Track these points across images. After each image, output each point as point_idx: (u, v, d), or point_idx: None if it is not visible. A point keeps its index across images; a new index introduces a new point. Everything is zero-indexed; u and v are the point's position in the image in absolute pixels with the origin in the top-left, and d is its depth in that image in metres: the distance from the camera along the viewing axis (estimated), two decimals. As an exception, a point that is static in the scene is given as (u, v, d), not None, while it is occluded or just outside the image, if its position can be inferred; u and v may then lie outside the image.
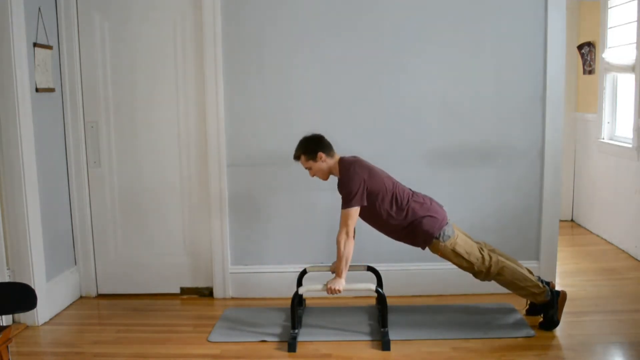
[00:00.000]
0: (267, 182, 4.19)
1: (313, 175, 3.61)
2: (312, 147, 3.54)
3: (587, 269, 4.72)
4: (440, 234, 3.45)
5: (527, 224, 4.20)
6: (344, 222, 3.41)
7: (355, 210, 3.42)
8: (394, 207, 3.47)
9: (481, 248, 3.53)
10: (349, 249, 3.42)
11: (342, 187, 3.50)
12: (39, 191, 3.83)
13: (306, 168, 3.59)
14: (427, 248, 3.54)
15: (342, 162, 3.55)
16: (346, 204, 3.42)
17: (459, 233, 3.52)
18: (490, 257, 3.49)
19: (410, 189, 3.59)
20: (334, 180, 4.17)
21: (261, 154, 4.17)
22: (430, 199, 3.59)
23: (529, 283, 3.50)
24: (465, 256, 3.47)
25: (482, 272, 3.50)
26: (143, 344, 3.54)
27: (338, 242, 3.41)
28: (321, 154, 3.52)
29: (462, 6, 4.03)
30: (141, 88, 4.21)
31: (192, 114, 4.21)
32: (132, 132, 4.26)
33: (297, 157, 3.58)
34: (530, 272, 3.61)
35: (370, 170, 3.50)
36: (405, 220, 3.47)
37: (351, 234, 3.43)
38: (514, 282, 3.51)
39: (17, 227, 3.73)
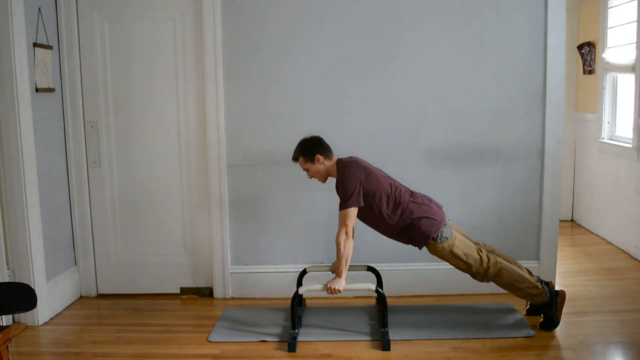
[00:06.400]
0: (267, 182, 4.19)
1: (311, 177, 3.62)
2: (310, 149, 3.55)
3: (587, 269, 4.72)
4: (437, 235, 3.45)
5: (527, 224, 4.20)
6: (342, 222, 3.42)
7: (353, 211, 3.43)
8: (391, 208, 3.47)
9: (480, 249, 3.53)
10: (349, 248, 3.43)
11: (339, 188, 3.49)
12: (39, 191, 3.83)
13: (304, 169, 3.60)
14: (424, 248, 3.54)
15: (339, 163, 3.55)
16: (343, 205, 3.43)
17: (457, 234, 3.52)
18: (489, 259, 3.49)
19: (409, 189, 3.59)
20: (333, 180, 4.18)
21: (261, 154, 4.17)
22: (430, 199, 3.59)
23: (527, 284, 3.50)
24: (463, 257, 3.47)
25: (480, 274, 3.50)
26: (143, 344, 3.54)
27: (338, 243, 3.41)
28: (319, 156, 3.53)
29: (462, 6, 4.03)
30: (141, 88, 4.21)
31: (192, 114, 4.21)
32: (132, 132, 4.26)
33: (295, 158, 3.59)
34: (530, 273, 3.61)
35: (367, 171, 3.50)
36: (403, 221, 3.47)
37: (350, 233, 3.44)
38: (512, 284, 3.50)
39: (17, 227, 3.73)
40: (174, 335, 3.65)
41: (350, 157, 3.62)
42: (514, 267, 3.54)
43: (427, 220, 3.46)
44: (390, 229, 3.53)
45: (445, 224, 3.48)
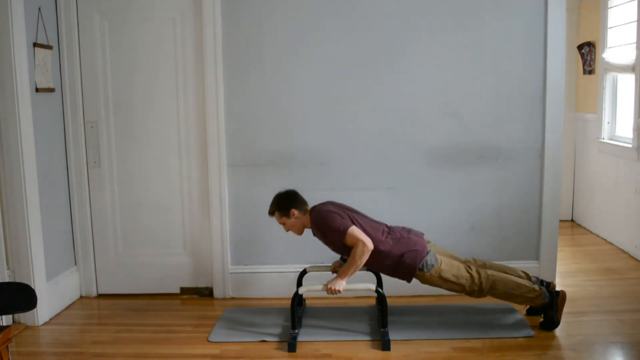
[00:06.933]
0: (267, 182, 4.19)
1: (288, 230, 3.64)
2: (285, 204, 3.57)
3: (587, 269, 4.72)
4: (423, 265, 3.45)
5: (527, 224, 4.20)
6: (355, 240, 3.38)
7: (354, 228, 3.41)
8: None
9: (468, 267, 3.52)
10: (364, 260, 3.39)
11: (324, 230, 3.48)
12: (39, 191, 3.83)
13: (280, 223, 3.63)
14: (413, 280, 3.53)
15: (312, 212, 3.56)
16: (342, 232, 3.40)
17: (442, 258, 3.51)
18: (479, 274, 3.49)
19: (386, 225, 3.60)
20: (334, 180, 4.19)
21: (261, 154, 4.17)
22: (408, 230, 3.59)
23: (523, 290, 3.49)
24: (454, 280, 3.47)
25: (475, 291, 3.50)
26: (143, 344, 3.54)
27: (356, 251, 3.36)
28: (294, 211, 3.55)
29: (463, 6, 4.03)
30: (141, 88, 4.21)
31: (192, 114, 4.21)
32: (132, 132, 4.26)
33: (271, 212, 3.62)
34: (527, 275, 3.62)
35: (339, 210, 3.52)
36: (385, 257, 3.46)
37: (370, 245, 3.38)
38: (508, 293, 3.50)
39: (17, 227, 3.73)
40: (174, 335, 3.65)
41: (322, 203, 3.64)
42: (507, 276, 3.53)
43: (409, 253, 3.45)
44: (375, 265, 3.54)
45: (428, 252, 3.48)
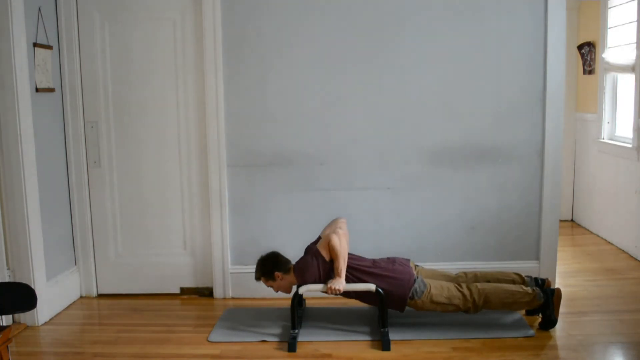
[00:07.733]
0: (267, 182, 4.19)
1: (277, 291, 3.66)
2: (268, 268, 3.60)
3: (587, 269, 4.72)
4: (412, 294, 3.46)
5: (527, 224, 4.20)
6: (326, 240, 3.45)
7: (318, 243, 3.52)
8: (357, 281, 3.50)
9: (459, 285, 3.53)
10: (344, 245, 3.44)
11: (308, 273, 3.51)
12: (39, 191, 3.83)
13: (268, 286, 3.65)
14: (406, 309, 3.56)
15: (294, 270, 3.58)
16: (317, 255, 3.49)
17: (430, 282, 3.52)
18: (471, 290, 3.49)
19: (371, 260, 3.63)
20: (333, 180, 4.18)
21: (261, 154, 4.17)
22: (393, 261, 3.61)
23: (517, 296, 3.50)
24: (447, 301, 3.48)
25: (470, 308, 3.51)
26: (143, 344, 3.54)
27: (332, 244, 3.41)
28: (278, 273, 3.58)
29: (463, 6, 4.03)
30: (141, 88, 4.21)
31: (192, 114, 4.21)
32: (132, 132, 4.26)
33: (257, 278, 3.65)
34: (520, 277, 3.64)
35: (309, 251, 3.58)
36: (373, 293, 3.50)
37: (341, 231, 3.48)
38: (503, 303, 3.50)
39: (17, 227, 3.73)
40: (174, 335, 3.65)
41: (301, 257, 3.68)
42: (499, 285, 3.54)
43: (396, 285, 3.48)
44: (365, 298, 3.57)
45: (416, 279, 3.49)
